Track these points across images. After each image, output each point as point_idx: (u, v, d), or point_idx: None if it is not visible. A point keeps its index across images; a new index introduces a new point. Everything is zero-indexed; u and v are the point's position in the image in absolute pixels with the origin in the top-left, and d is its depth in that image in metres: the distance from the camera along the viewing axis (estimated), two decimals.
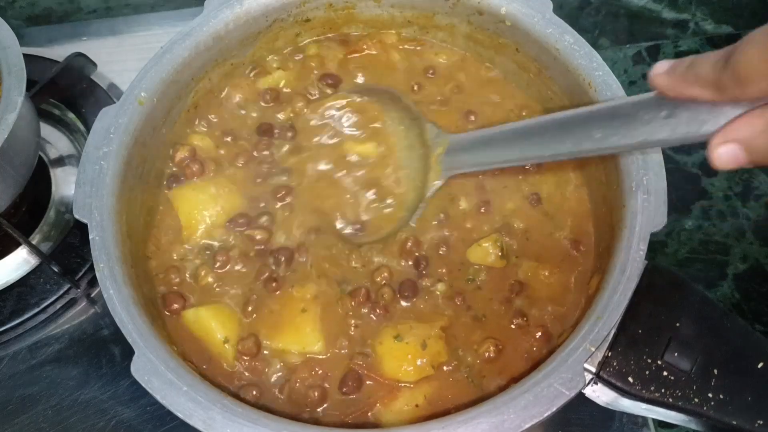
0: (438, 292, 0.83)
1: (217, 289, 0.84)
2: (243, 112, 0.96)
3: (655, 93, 0.61)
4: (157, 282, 0.85)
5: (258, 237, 0.86)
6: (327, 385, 0.78)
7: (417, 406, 0.77)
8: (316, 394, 0.77)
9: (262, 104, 0.96)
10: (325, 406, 0.77)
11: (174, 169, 0.91)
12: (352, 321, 0.81)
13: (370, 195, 0.89)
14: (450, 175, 0.85)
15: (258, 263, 0.85)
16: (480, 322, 0.81)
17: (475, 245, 0.85)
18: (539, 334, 0.80)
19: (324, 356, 0.80)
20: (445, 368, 0.79)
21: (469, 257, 0.85)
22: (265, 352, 0.80)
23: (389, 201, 0.88)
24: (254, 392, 0.78)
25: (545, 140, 0.74)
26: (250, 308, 0.82)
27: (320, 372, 0.79)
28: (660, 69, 0.59)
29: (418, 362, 0.78)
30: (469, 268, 0.84)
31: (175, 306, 0.82)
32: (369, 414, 0.77)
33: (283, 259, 0.84)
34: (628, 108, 0.66)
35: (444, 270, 0.85)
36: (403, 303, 0.83)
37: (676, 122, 0.61)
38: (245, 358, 0.79)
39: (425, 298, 0.83)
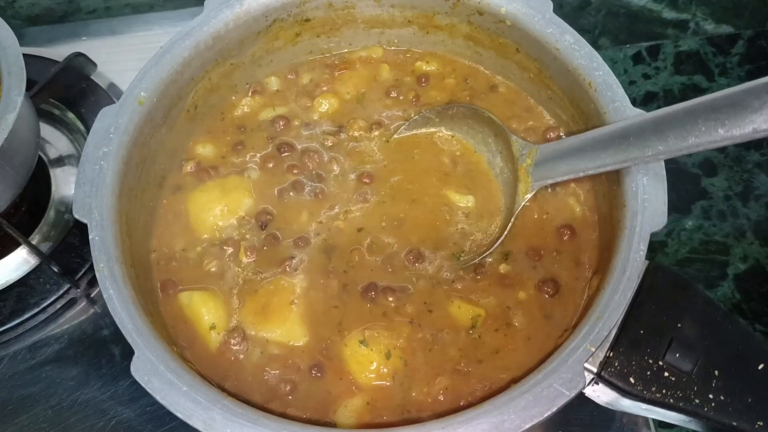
0: None
1: (216, 277, 0.86)
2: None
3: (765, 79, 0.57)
4: (158, 270, 0.86)
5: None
6: (296, 378, 0.79)
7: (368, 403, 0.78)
8: (287, 387, 0.78)
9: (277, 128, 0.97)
10: (289, 398, 0.78)
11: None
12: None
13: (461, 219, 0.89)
14: (541, 185, 0.85)
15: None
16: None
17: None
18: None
19: (303, 350, 0.81)
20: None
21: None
22: (248, 340, 0.81)
23: (484, 223, 0.89)
24: (233, 379, 0.79)
25: (642, 141, 0.71)
26: (235, 295, 0.84)
27: (293, 364, 0.80)
28: None
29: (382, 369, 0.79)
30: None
31: (171, 291, 0.84)
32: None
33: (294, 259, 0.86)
34: (735, 97, 0.62)
35: None
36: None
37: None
38: (231, 343, 0.81)
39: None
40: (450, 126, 0.94)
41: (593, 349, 0.69)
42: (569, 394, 0.67)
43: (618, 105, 0.81)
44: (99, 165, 0.80)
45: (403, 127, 0.95)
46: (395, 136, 0.95)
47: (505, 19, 0.90)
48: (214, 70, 0.93)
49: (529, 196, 0.85)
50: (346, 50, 1.03)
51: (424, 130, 0.95)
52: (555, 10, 0.88)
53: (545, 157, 0.84)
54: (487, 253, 0.84)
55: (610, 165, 0.75)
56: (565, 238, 0.86)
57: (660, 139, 0.69)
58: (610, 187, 0.82)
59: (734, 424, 0.66)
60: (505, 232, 0.85)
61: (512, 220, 0.85)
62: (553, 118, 0.94)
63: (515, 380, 0.74)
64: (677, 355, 0.69)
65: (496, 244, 0.85)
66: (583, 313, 0.75)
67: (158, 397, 0.67)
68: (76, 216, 0.77)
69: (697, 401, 0.67)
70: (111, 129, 0.82)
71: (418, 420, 0.75)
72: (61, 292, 0.99)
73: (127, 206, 0.81)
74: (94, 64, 1.17)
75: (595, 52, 0.85)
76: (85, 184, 0.79)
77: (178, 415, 0.67)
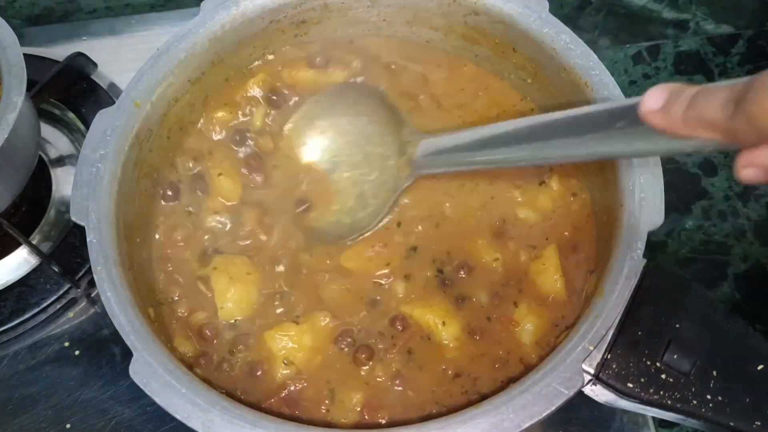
0: None
1: None
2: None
3: (633, 101, 0.57)
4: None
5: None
6: (266, 367, 0.80)
7: None
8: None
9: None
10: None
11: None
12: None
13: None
14: (419, 175, 0.86)
15: None
16: None
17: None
18: None
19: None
20: None
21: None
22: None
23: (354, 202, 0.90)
24: (202, 362, 0.81)
25: (525, 145, 0.73)
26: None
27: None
28: (652, 104, 0.54)
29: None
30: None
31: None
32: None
33: None
34: (619, 117, 0.61)
35: None
36: None
37: (656, 137, 0.56)
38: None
39: None
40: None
41: (591, 348, 0.69)
42: (568, 393, 0.67)
43: None
44: (96, 167, 0.80)
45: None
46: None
47: (502, 19, 0.90)
48: (210, 72, 0.93)
49: (407, 183, 0.86)
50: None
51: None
52: (555, 10, 0.88)
53: (428, 148, 0.85)
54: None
55: (486, 165, 0.81)
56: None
57: (538, 146, 0.71)
58: (606, 186, 0.82)
59: (731, 424, 0.67)
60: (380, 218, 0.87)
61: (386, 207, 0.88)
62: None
63: (513, 380, 0.75)
64: (675, 356, 0.69)
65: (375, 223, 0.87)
66: (581, 313, 0.75)
67: (157, 399, 0.68)
68: (74, 218, 0.77)
69: (694, 402, 0.67)
70: (108, 131, 0.82)
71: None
72: (62, 292, 0.99)
73: (124, 208, 0.81)
74: (95, 64, 1.17)
75: (591, 52, 0.85)
76: (83, 186, 0.79)
77: (177, 416, 0.67)
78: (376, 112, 0.92)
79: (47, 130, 1.13)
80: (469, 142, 0.79)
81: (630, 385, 0.69)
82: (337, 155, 0.93)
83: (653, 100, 0.53)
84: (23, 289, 0.99)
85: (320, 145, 0.94)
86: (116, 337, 0.70)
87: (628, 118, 0.59)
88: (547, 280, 0.83)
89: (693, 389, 0.68)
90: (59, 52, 1.15)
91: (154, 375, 0.69)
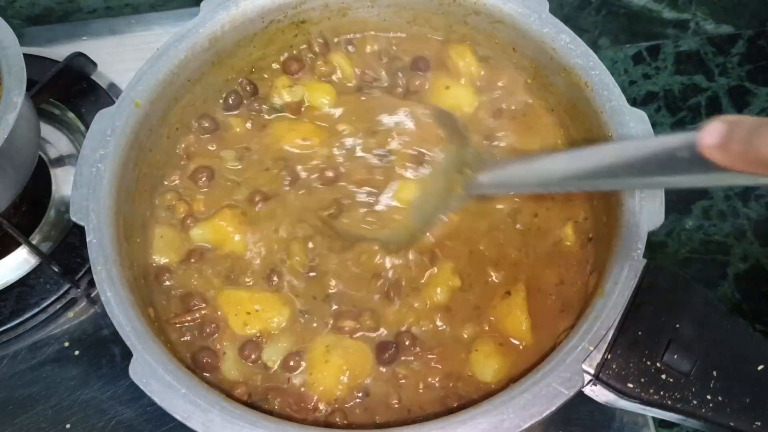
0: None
1: None
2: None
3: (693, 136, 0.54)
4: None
5: None
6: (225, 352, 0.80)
7: None
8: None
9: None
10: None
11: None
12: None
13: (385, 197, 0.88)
14: (472, 196, 0.85)
15: None
16: None
17: None
18: None
19: None
20: None
21: None
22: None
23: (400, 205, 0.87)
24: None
25: (586, 181, 0.72)
26: None
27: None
28: (711, 140, 0.51)
29: None
30: None
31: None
32: None
33: None
34: (679, 150, 0.58)
35: None
36: None
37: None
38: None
39: None
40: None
41: (591, 348, 0.69)
42: (568, 393, 0.67)
43: (614, 104, 0.81)
44: (96, 167, 0.80)
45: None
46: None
47: (502, 19, 0.90)
48: (210, 72, 0.93)
49: (460, 204, 0.85)
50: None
51: None
52: (555, 10, 0.88)
53: (486, 171, 0.84)
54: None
55: (537, 191, 0.83)
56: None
57: (588, 181, 0.72)
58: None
59: (731, 424, 0.67)
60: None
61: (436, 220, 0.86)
62: (550, 118, 0.94)
63: (513, 380, 0.75)
64: (675, 356, 0.69)
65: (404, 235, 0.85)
66: (581, 313, 0.75)
67: (157, 400, 0.67)
68: (74, 219, 0.77)
69: (694, 402, 0.67)
70: (108, 131, 0.82)
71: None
72: (62, 292, 0.99)
73: (124, 208, 0.81)
74: (95, 64, 1.17)
75: (591, 52, 0.85)
76: (82, 186, 0.79)
77: (177, 417, 0.67)
78: (445, 125, 0.91)
79: (47, 130, 1.13)
80: (529, 176, 0.80)
81: (630, 385, 0.69)
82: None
83: (711, 135, 0.51)
84: (23, 289, 0.99)
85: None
86: (116, 337, 0.70)
87: (689, 151, 0.56)
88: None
89: (693, 389, 0.68)
90: (59, 52, 1.15)
91: (154, 375, 0.68)
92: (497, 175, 0.83)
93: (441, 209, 0.86)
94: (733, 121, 0.50)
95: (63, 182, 1.09)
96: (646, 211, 0.75)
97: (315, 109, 0.95)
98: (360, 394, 0.78)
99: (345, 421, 0.76)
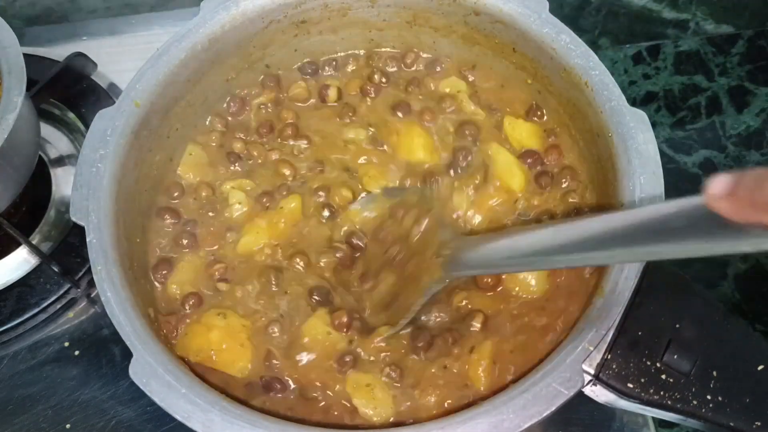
0: None
1: None
2: None
3: (699, 200, 0.51)
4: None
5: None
6: None
7: None
8: None
9: None
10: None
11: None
12: None
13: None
14: (452, 278, 0.79)
15: None
16: None
17: None
18: None
19: None
20: None
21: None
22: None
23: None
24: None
25: (568, 252, 0.66)
26: None
27: None
28: (718, 189, 0.49)
29: None
30: None
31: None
32: None
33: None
34: (673, 220, 0.55)
35: None
36: None
37: (737, 237, 0.50)
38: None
39: None
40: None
41: (591, 348, 0.69)
42: (568, 394, 0.67)
43: (614, 104, 0.81)
44: (96, 167, 0.80)
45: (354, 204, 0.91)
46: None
47: (502, 20, 0.90)
48: (210, 72, 0.93)
49: (439, 287, 0.79)
50: (341, 53, 1.03)
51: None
52: (555, 10, 0.88)
53: (464, 249, 0.78)
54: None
55: (526, 268, 0.78)
56: None
57: (586, 251, 0.64)
58: (607, 186, 0.82)
59: (731, 424, 0.66)
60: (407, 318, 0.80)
61: (414, 308, 0.80)
62: (550, 118, 0.94)
63: (513, 380, 0.75)
64: (675, 356, 0.69)
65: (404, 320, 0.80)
66: (581, 313, 0.75)
67: (157, 400, 0.67)
68: (74, 219, 0.77)
69: (694, 402, 0.67)
70: (108, 131, 0.82)
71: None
72: (62, 292, 0.99)
73: (124, 208, 0.81)
74: (95, 64, 1.17)
75: (591, 52, 0.85)
76: (82, 186, 0.79)
77: (177, 417, 0.67)
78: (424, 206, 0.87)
79: (47, 130, 1.13)
80: (511, 252, 0.72)
81: (630, 385, 0.69)
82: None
83: (718, 186, 0.50)
84: (23, 289, 0.99)
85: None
86: (116, 337, 0.70)
87: (685, 218, 0.54)
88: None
89: (693, 389, 0.68)
90: (59, 52, 1.16)
91: (154, 375, 0.69)
92: (478, 253, 0.76)
93: (415, 294, 0.81)
94: (739, 173, 0.50)
95: (63, 182, 1.09)
96: None
97: None
98: None
99: None
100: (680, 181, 1.27)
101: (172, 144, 0.92)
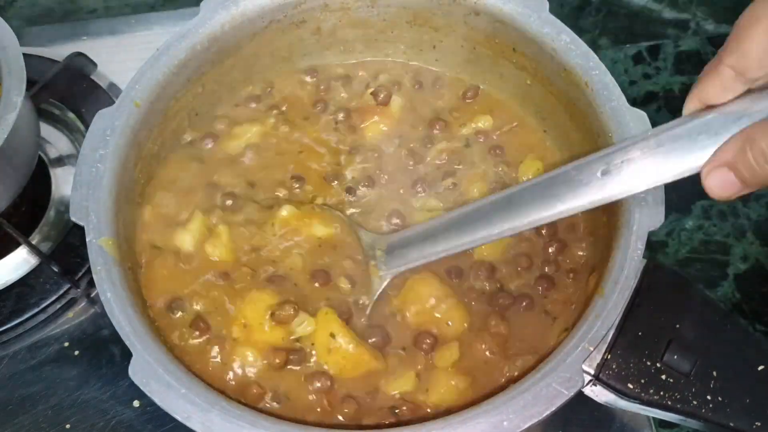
0: None
1: None
2: None
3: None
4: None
5: None
6: None
7: None
8: None
9: None
10: None
11: None
12: None
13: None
14: (392, 274, 0.83)
15: None
16: None
17: None
18: None
19: None
20: None
21: None
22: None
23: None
24: None
25: (488, 221, 0.74)
26: None
27: None
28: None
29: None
30: None
31: None
32: None
33: None
34: (565, 175, 0.68)
35: None
36: None
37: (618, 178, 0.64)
38: None
39: None
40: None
41: (591, 349, 0.69)
42: (568, 394, 0.67)
43: (615, 104, 0.81)
44: (96, 167, 0.80)
45: None
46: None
47: (502, 19, 0.90)
48: (210, 72, 0.93)
49: (382, 285, 0.83)
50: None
51: None
52: (555, 10, 0.88)
53: (393, 246, 0.84)
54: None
55: (460, 248, 0.78)
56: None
57: (505, 218, 0.73)
58: None
59: (731, 424, 0.66)
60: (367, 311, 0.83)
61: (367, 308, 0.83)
62: (551, 118, 0.94)
63: (513, 380, 0.75)
64: (675, 356, 0.69)
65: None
66: (581, 313, 0.75)
67: (156, 400, 0.67)
68: (73, 219, 0.77)
69: (695, 402, 0.67)
70: (107, 131, 0.82)
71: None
72: (61, 292, 0.99)
73: (124, 208, 0.81)
74: (94, 64, 1.17)
75: (591, 52, 0.85)
76: (82, 186, 0.79)
77: (177, 417, 0.66)
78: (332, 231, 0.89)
79: (47, 130, 1.13)
80: (440, 229, 0.79)
81: (630, 385, 0.69)
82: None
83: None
84: (23, 289, 0.99)
85: None
86: (116, 337, 0.70)
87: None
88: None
89: (693, 389, 0.68)
90: (59, 52, 1.16)
91: (154, 375, 0.68)
92: (404, 246, 0.82)
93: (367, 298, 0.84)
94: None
95: (63, 182, 1.09)
96: (646, 211, 0.75)
97: None
98: None
99: None
100: (681, 180, 1.27)
101: (171, 144, 0.92)
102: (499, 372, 0.79)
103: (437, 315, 0.82)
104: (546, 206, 0.70)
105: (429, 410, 0.77)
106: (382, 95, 0.99)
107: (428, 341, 0.80)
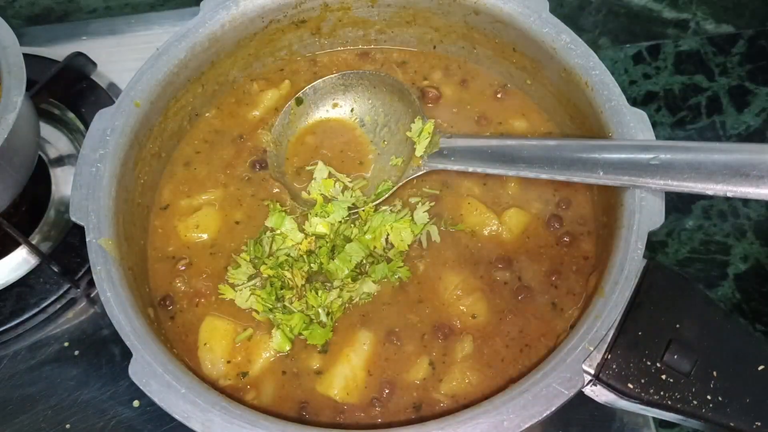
0: None
1: None
2: None
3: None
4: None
5: None
6: None
7: None
8: None
9: None
10: None
11: None
12: None
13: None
14: (430, 168, 0.89)
15: None
16: None
17: None
18: None
19: None
20: None
21: None
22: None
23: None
24: None
25: (545, 167, 0.79)
26: None
27: None
28: None
29: None
30: None
31: None
32: None
33: None
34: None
35: None
36: None
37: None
38: None
39: None
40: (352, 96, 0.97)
41: (591, 349, 0.69)
42: (568, 394, 0.67)
43: (614, 104, 0.81)
44: (96, 167, 0.80)
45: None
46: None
47: (502, 19, 0.90)
48: (210, 71, 0.93)
49: (419, 172, 0.89)
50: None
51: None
52: (555, 10, 0.88)
53: (445, 146, 0.88)
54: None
55: (498, 173, 0.84)
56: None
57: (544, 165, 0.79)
58: (607, 186, 0.82)
59: (731, 424, 0.67)
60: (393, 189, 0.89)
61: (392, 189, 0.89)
62: (550, 118, 0.94)
63: (513, 380, 0.75)
64: (676, 356, 0.69)
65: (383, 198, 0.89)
66: (581, 313, 0.75)
67: (156, 400, 0.67)
68: (73, 219, 0.77)
69: (695, 402, 0.67)
70: (107, 131, 0.82)
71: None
72: (61, 292, 0.99)
73: (124, 208, 0.81)
74: (94, 64, 1.17)
75: (591, 52, 0.85)
76: (82, 186, 0.79)
77: (177, 417, 0.67)
78: (400, 99, 0.94)
79: (47, 130, 1.14)
80: (486, 153, 0.85)
81: (630, 385, 0.69)
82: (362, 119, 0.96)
83: None
84: (23, 289, 0.99)
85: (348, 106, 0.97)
86: (116, 337, 0.70)
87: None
88: None
89: (693, 389, 0.68)
90: (59, 52, 1.16)
91: (154, 375, 0.68)
92: (460, 147, 0.87)
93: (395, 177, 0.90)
94: None
95: (63, 182, 1.09)
96: (646, 211, 0.75)
97: None
98: None
99: None
100: None
101: (172, 143, 0.92)
102: (514, 365, 0.79)
103: (462, 308, 0.82)
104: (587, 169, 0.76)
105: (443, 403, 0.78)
106: None
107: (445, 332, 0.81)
